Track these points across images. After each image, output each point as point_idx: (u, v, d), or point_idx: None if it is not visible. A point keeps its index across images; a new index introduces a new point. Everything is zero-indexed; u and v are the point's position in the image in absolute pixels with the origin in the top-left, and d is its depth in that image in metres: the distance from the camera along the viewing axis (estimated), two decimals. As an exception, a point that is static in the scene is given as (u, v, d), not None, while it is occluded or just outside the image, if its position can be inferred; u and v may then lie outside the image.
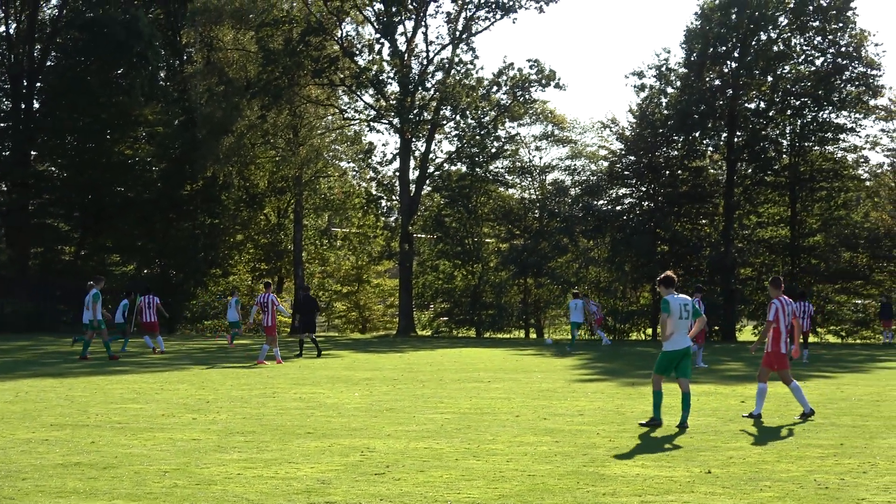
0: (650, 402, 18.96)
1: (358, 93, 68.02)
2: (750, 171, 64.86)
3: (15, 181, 69.28)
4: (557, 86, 66.03)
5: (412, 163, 67.16)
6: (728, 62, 63.75)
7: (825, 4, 62.31)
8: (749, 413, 19.06)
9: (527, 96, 66.63)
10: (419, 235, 70.04)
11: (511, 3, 65.16)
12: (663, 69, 65.26)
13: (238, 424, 17.23)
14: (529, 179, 70.84)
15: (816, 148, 64.39)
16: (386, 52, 65.74)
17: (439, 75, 65.96)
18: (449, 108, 66.08)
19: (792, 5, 62.52)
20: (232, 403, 20.68)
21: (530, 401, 21.71)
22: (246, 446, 14.65)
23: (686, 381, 18.15)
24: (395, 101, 64.82)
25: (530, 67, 65.85)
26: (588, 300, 53.04)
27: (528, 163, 70.73)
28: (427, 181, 68.34)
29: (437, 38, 69.26)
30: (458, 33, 66.03)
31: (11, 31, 71.03)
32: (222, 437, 15.55)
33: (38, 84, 71.12)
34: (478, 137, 66.73)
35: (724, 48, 63.18)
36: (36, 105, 71.40)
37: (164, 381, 26.27)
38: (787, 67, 64.24)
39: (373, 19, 66.76)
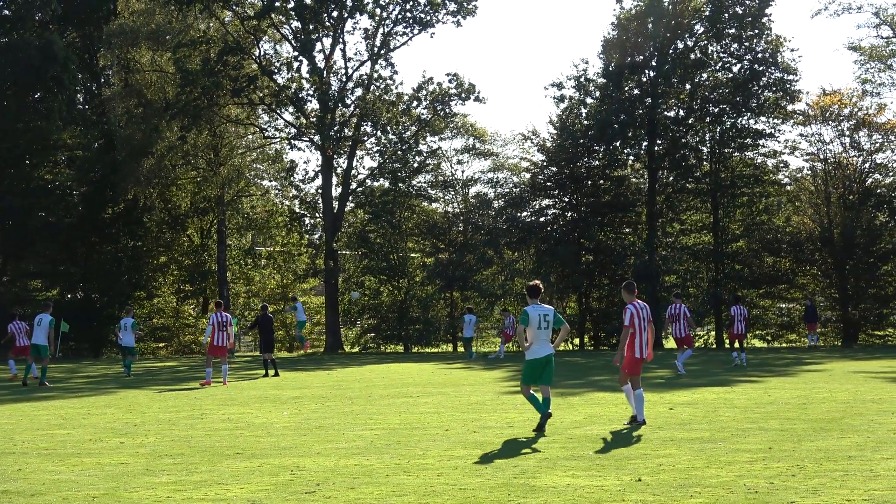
0: (579, 412, 19.05)
1: (278, 111, 67.93)
2: (671, 178, 65.50)
3: (-67, 210, 68.45)
4: (477, 99, 66.29)
5: (335, 179, 67.12)
6: (646, 71, 64.34)
7: (741, 12, 63.10)
8: (631, 418, 19.26)
9: (447, 110, 66.78)
10: (344, 252, 69.94)
11: (428, 17, 65.33)
12: (582, 80, 65.76)
13: (166, 447, 17.10)
14: (452, 193, 71.09)
15: (736, 154, 65.13)
16: (305, 69, 65.68)
17: (359, 91, 66.04)
18: (369, 123, 66.15)
19: (708, 13, 63.24)
20: (160, 426, 20.54)
21: (460, 414, 21.74)
22: (175, 469, 14.54)
23: (547, 388, 18.67)
24: (315, 119, 64.70)
25: (450, 81, 66.08)
26: (508, 314, 53.42)
27: (450, 176, 71.02)
28: (350, 197, 68.28)
29: (356, 54, 69.67)
30: (376, 49, 66.07)
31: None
32: (151, 461, 15.42)
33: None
34: (399, 153, 66.83)
35: (641, 57, 63.78)
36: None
37: (90, 406, 26.04)
38: (704, 75, 64.96)
39: (290, 37, 66.64)
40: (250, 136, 72.35)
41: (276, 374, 39.13)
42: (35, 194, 68.00)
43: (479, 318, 62.66)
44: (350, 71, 66.33)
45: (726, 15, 63.31)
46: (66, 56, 64.99)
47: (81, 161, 68.89)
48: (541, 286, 18.94)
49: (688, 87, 64.61)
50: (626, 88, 64.59)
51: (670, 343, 63.88)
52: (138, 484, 13.21)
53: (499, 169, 71.96)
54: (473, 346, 55.78)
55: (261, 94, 66.17)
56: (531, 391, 18.59)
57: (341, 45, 67.29)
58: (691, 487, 12.29)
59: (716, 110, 64.23)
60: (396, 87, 66.67)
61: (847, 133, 62.83)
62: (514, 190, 68.74)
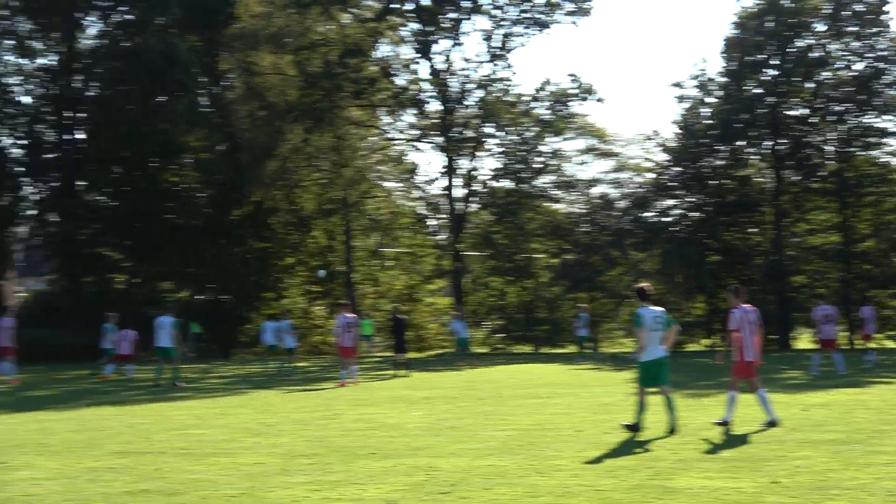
0: (711, 413, 18.91)
1: (399, 113, 68.18)
2: (796, 178, 64.61)
3: (64, 212, 69.80)
4: (597, 99, 66.07)
5: (457, 180, 67.26)
6: (768, 70, 63.60)
7: (860, 10, 62.08)
8: (720, 420, 19.05)
9: (567, 110, 66.63)
10: (469, 253, 70.05)
11: (545, 18, 65.27)
12: (703, 78, 65.20)
13: (301, 447, 17.24)
14: (576, 194, 70.79)
15: (861, 153, 64.04)
16: (425, 71, 66.00)
17: (479, 93, 66.17)
18: (491, 124, 66.22)
19: (828, 11, 62.34)
20: (294, 426, 20.71)
21: (591, 415, 21.67)
22: (311, 468, 14.66)
23: (666, 388, 18.67)
24: (437, 120, 64.93)
25: (572, 81, 65.91)
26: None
27: (572, 177, 70.71)
28: (473, 198, 68.37)
29: (476, 55, 69.50)
30: (495, 50, 66.11)
31: (53, 62, 71.56)
32: (286, 460, 15.57)
33: (82, 114, 71.58)
34: (521, 153, 66.78)
35: (762, 56, 63.07)
36: (81, 135, 71.88)
37: (224, 406, 26.37)
38: (826, 73, 63.98)
39: (409, 39, 66.89)
40: (372, 138, 72.69)
41: (407, 375, 39.32)
42: (162, 197, 69.03)
43: (606, 318, 62.34)
44: (469, 72, 66.51)
45: (846, 13, 62.41)
46: (188, 59, 65.83)
47: (207, 163, 69.78)
48: (651, 288, 19.15)
49: (810, 85, 63.79)
50: (748, 87, 63.95)
51: (801, 343, 63.13)
52: (275, 483, 13.34)
53: (621, 169, 71.66)
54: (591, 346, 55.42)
55: (382, 96, 66.49)
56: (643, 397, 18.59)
57: (460, 47, 67.58)
58: (829, 490, 12.14)
59: (839, 109, 63.30)
60: (516, 88, 66.86)
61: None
62: (638, 190, 68.41)
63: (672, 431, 18.00)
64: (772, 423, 18.82)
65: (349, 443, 17.74)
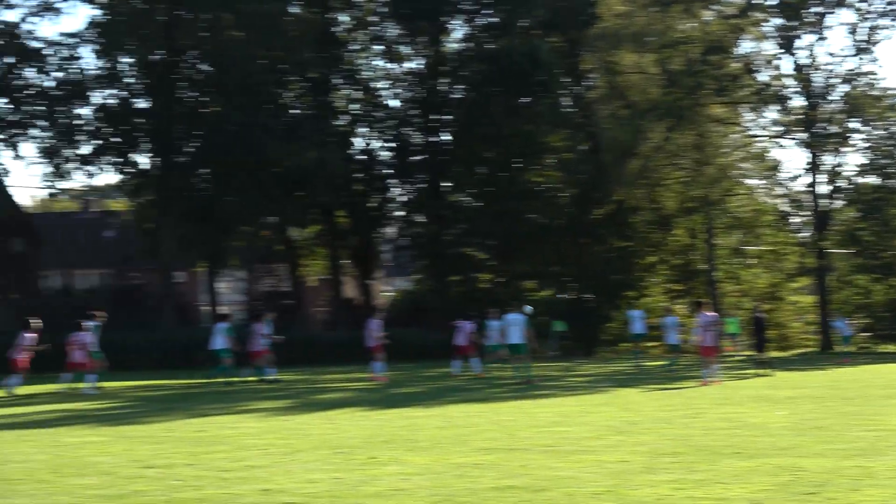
0: None
1: (761, 109, 67.14)
2: None
3: (430, 213, 71.77)
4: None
5: (822, 177, 65.79)
6: None
7: None
8: None
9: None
10: (833, 250, 68.37)
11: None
12: None
13: (665, 445, 17.24)
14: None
15: None
16: (788, 66, 64.79)
17: (843, 87, 64.51)
18: (856, 119, 64.51)
19: None
20: (657, 424, 20.71)
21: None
22: (674, 467, 14.62)
23: None
24: (800, 116, 63.71)
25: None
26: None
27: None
28: (838, 195, 66.68)
29: (841, 49, 67.75)
30: (860, 43, 64.31)
31: (420, 66, 73.64)
32: (650, 459, 15.56)
33: (447, 117, 73.39)
34: (888, 148, 64.86)
35: None
36: (446, 137, 73.70)
37: (587, 404, 26.59)
38: None
39: (772, 34, 65.76)
40: (734, 136, 71.77)
41: (769, 374, 38.75)
42: (526, 197, 70.03)
43: None
44: (834, 66, 64.92)
45: None
46: (551, 60, 66.54)
47: (569, 163, 70.38)
48: None
49: None
50: None
51: None
52: (639, 482, 13.36)
53: None
54: None
55: (744, 93, 65.63)
56: None
57: (824, 41, 66.10)
58: None
59: None
60: (882, 82, 64.92)
61: None
62: None
63: None
64: None
65: (713, 442, 17.63)
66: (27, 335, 35.29)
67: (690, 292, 72.96)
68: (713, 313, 35.32)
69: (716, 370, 34.84)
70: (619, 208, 69.43)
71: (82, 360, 35.22)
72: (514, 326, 36.21)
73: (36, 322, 36.17)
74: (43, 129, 60.64)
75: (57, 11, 61.08)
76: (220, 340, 38.08)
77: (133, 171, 62.98)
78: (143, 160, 64.66)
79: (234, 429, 21.42)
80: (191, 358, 54.87)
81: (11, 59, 58.65)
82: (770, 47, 67.61)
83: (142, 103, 62.94)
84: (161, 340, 56.61)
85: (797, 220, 69.73)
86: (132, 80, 62.47)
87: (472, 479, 13.82)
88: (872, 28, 64.15)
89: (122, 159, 61.68)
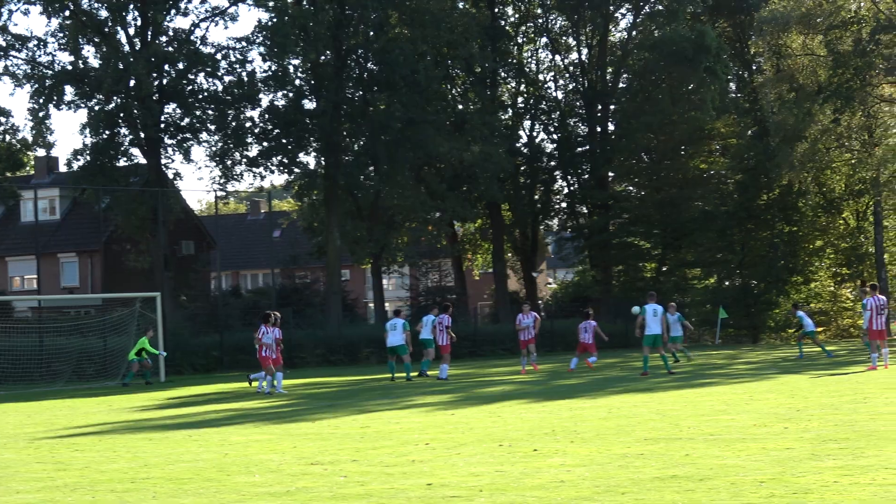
0: None
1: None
2: None
3: (595, 203, 71.77)
4: None
5: None
6: None
7: None
8: None
9: None
10: None
11: None
12: None
13: (831, 432, 17.01)
14: None
15: None
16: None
17: None
18: None
19: None
20: (823, 411, 20.42)
21: None
22: (840, 453, 14.42)
23: None
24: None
25: None
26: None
27: None
28: None
29: None
30: None
31: (584, 56, 73.64)
32: (816, 445, 15.36)
33: (612, 106, 73.29)
34: None
35: None
36: (610, 127, 73.58)
37: (752, 392, 26.32)
38: None
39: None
40: (906, 116, 70.40)
41: None
42: (690, 184, 69.67)
43: None
44: None
45: None
46: (718, 46, 66.08)
47: (735, 149, 69.84)
48: None
49: None
50: None
51: None
52: (804, 469, 13.21)
53: None
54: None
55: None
56: None
57: None
58: None
59: None
60: None
61: None
62: None
63: None
64: None
65: (880, 427, 17.34)
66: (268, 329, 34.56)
67: (859, 276, 71.85)
68: (882, 297, 34.54)
69: (886, 354, 34.13)
70: (786, 192, 68.57)
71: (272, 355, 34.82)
72: (654, 320, 35.21)
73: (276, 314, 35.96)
74: (212, 132, 61.86)
75: (228, 16, 62.23)
76: (398, 336, 38.16)
77: (300, 171, 63.85)
78: (311, 160, 65.64)
79: (399, 424, 21.64)
80: (357, 354, 55.66)
81: (182, 65, 59.86)
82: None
83: (309, 104, 63.82)
84: (328, 338, 57.30)
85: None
86: (300, 81, 63.39)
87: (635, 469, 13.79)
88: None
89: (289, 160, 62.58)
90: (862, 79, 62.82)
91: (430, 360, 38.43)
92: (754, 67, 74.87)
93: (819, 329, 68.11)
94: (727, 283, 71.70)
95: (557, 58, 76.19)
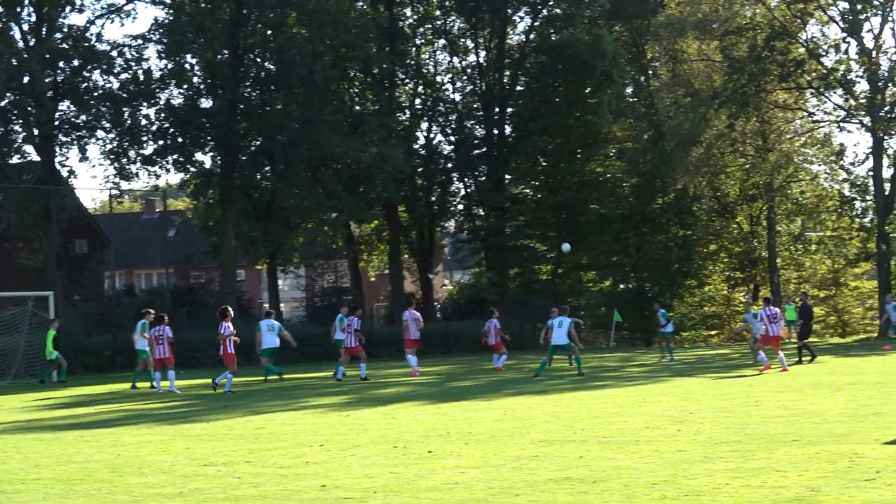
0: None
1: (825, 94, 66.71)
2: None
3: (492, 205, 72.07)
4: None
5: (885, 161, 65.19)
6: None
7: None
8: None
9: None
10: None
11: None
12: None
13: (723, 434, 17.19)
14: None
15: None
16: (853, 50, 64.25)
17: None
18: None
19: None
20: (715, 414, 20.63)
21: None
22: (732, 456, 14.57)
23: None
24: (864, 100, 63.23)
25: None
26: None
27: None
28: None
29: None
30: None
31: (482, 59, 73.89)
32: (708, 448, 15.52)
33: (510, 109, 73.63)
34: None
35: None
36: (507, 130, 73.89)
37: (645, 394, 26.53)
38: None
39: (837, 18, 65.24)
40: (798, 121, 71.39)
41: (812, 361, 38.49)
42: (586, 188, 70.21)
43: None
44: (900, 48, 64.37)
45: None
46: (615, 50, 66.57)
47: (631, 153, 70.50)
48: None
49: None
50: None
51: None
52: (696, 471, 13.33)
53: None
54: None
55: (808, 78, 65.24)
56: None
57: (891, 24, 65.32)
58: None
59: None
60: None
61: None
62: None
63: None
64: None
65: (771, 429, 17.56)
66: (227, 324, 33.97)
67: (752, 280, 72.93)
68: (775, 308, 35.27)
69: (782, 358, 34.52)
70: (681, 197, 69.32)
71: (164, 355, 34.75)
72: (559, 329, 35.37)
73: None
74: (108, 130, 61.12)
75: (124, 13, 61.48)
76: (274, 338, 38.24)
77: (196, 170, 63.41)
78: (207, 159, 65.15)
79: (293, 425, 21.55)
80: (252, 356, 55.25)
81: (77, 62, 59.12)
82: (835, 31, 67.20)
83: (206, 102, 63.38)
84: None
85: (860, 204, 69.18)
86: (196, 80, 62.93)
87: (529, 471, 13.86)
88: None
89: (185, 158, 62.07)
90: (756, 85, 63.55)
91: (344, 363, 37.92)
92: (651, 72, 75.62)
93: (713, 332, 69.08)
94: (622, 287, 72.29)
95: (455, 60, 76.40)
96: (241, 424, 22.27)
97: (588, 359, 39.66)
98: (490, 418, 21.56)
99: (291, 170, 61.81)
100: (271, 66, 62.84)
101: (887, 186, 64.72)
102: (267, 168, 64.16)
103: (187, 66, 62.05)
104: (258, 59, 63.87)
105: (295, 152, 60.59)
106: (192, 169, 63.21)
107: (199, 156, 63.64)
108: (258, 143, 63.79)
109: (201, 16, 57.98)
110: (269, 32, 61.73)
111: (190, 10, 58.53)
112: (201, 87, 62.88)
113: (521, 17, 75.68)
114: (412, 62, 72.71)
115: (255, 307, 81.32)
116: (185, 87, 62.04)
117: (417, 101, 75.26)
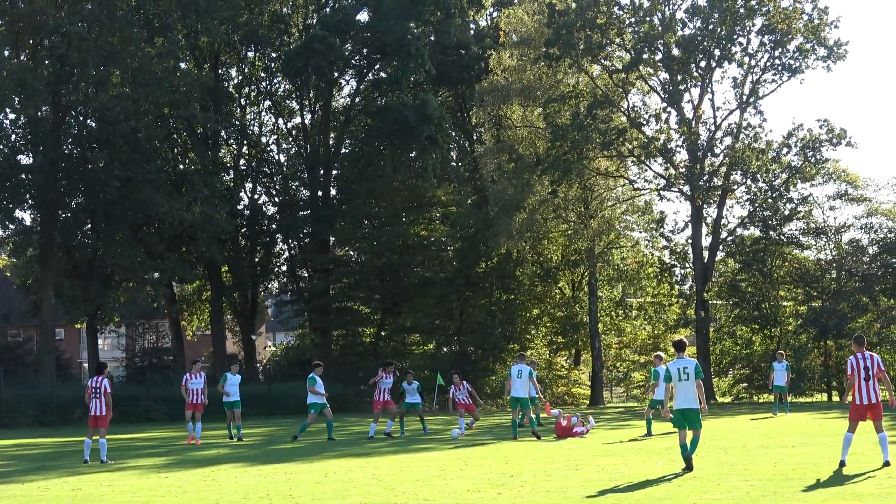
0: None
1: (647, 162, 68.02)
2: None
3: (316, 267, 71.96)
4: (849, 144, 64.52)
5: (704, 229, 66.62)
6: None
7: None
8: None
9: (818, 157, 65.19)
10: (714, 302, 69.21)
11: (797, 64, 64.17)
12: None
13: (542, 498, 17.35)
14: (825, 240, 69.07)
15: None
16: (673, 120, 65.66)
17: (728, 140, 65.42)
18: (739, 172, 65.45)
19: None
20: (535, 477, 20.79)
21: (835, 465, 21.10)
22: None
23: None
24: (684, 169, 64.65)
25: (820, 127, 64.47)
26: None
27: (822, 223, 69.07)
28: (720, 247, 67.55)
29: (725, 103, 68.48)
30: (745, 97, 65.39)
31: (307, 121, 73.94)
32: (526, 511, 15.68)
33: (334, 171, 73.74)
34: (770, 200, 65.75)
35: None
36: (333, 192, 73.94)
37: (467, 457, 26.61)
38: None
39: (658, 89, 66.73)
40: (620, 189, 72.65)
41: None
42: (411, 251, 70.40)
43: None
44: (719, 120, 65.87)
45: None
46: (440, 115, 67.17)
47: (455, 217, 70.88)
48: (685, 341, 21.47)
49: None
50: None
51: None
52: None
53: (872, 214, 69.59)
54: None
55: (630, 146, 66.43)
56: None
57: (710, 95, 66.88)
58: None
59: None
60: (766, 135, 65.80)
61: None
62: (890, 236, 66.46)
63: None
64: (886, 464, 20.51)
65: (588, 491, 17.79)
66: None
67: (574, 344, 73.80)
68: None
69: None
70: (505, 261, 69.89)
71: None
72: (518, 378, 34.56)
73: None
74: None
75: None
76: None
77: (15, 227, 62.26)
78: (26, 216, 63.96)
79: (111, 486, 21.19)
80: (70, 416, 54.32)
81: None
82: (656, 101, 68.48)
83: (26, 159, 62.36)
84: (40, 398, 55.81)
85: (679, 271, 70.50)
86: (16, 136, 61.85)
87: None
88: (757, 82, 64.98)
89: (4, 215, 60.79)
90: (579, 152, 64.27)
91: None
92: (475, 137, 76.47)
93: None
94: (445, 350, 72.47)
95: (281, 121, 76.40)
96: (57, 485, 21.81)
97: (410, 421, 39.65)
98: (311, 480, 21.46)
99: (114, 228, 61.17)
100: (93, 124, 62.08)
101: (706, 254, 66.10)
102: (88, 226, 63.26)
103: (7, 122, 61.04)
104: (80, 117, 63.10)
105: (117, 211, 59.99)
106: (11, 226, 62.04)
107: (18, 213, 62.54)
108: (80, 200, 62.91)
109: (22, 72, 57.13)
110: (92, 90, 60.91)
111: (11, 67, 57.62)
112: (21, 143, 61.83)
113: (347, 80, 76.00)
114: (237, 122, 72.46)
115: (75, 367, 79.87)
116: (4, 142, 60.95)
117: (242, 161, 74.91)
